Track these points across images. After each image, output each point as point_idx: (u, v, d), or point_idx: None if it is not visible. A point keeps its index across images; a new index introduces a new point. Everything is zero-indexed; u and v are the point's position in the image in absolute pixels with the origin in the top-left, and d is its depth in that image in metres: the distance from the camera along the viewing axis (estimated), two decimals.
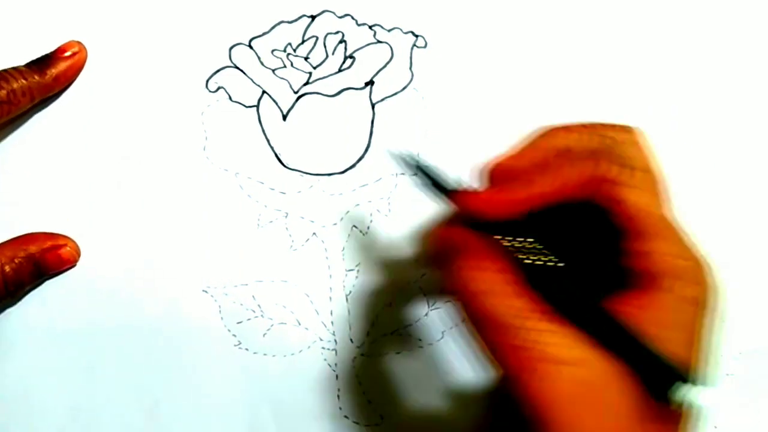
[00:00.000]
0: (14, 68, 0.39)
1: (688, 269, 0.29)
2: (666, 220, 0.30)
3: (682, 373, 0.27)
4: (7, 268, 0.38)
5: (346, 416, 0.40)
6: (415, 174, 0.34)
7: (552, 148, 0.31)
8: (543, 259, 0.31)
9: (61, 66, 0.41)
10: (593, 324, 0.29)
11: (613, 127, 0.31)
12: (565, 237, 0.32)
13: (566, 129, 0.32)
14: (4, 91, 0.38)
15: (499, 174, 0.32)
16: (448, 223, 0.32)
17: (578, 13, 0.44)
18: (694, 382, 0.27)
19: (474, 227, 0.31)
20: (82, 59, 0.41)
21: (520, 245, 0.31)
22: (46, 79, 0.40)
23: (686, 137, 0.43)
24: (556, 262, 0.31)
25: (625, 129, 0.31)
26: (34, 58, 0.40)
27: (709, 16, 0.45)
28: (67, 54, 0.41)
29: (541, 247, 0.31)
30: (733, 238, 0.42)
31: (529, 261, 0.31)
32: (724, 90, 0.44)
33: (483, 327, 0.29)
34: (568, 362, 0.28)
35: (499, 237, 0.31)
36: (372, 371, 0.41)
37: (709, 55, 0.44)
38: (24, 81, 0.39)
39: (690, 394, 0.27)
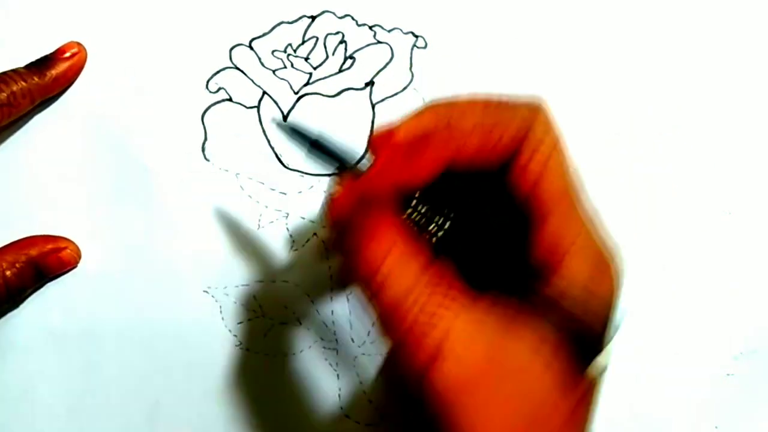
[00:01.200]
0: (14, 70, 0.39)
1: (587, 257, 0.28)
2: (570, 203, 0.29)
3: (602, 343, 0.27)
4: (8, 273, 0.38)
5: (347, 416, 0.40)
6: (309, 150, 0.33)
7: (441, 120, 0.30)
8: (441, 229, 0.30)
9: (61, 67, 0.41)
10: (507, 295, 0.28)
11: (507, 104, 0.30)
12: (463, 202, 0.31)
13: (451, 105, 0.30)
14: (4, 94, 0.38)
15: (385, 145, 0.30)
16: (347, 192, 0.31)
17: (578, 13, 0.44)
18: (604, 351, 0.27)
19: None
20: (82, 60, 0.41)
21: (420, 216, 0.30)
22: (46, 80, 0.40)
23: (686, 137, 0.43)
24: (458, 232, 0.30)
25: (524, 106, 0.30)
26: (33, 59, 0.41)
27: (710, 17, 0.45)
28: (67, 55, 0.41)
29: (440, 217, 0.30)
30: (732, 238, 0.43)
31: (434, 232, 0.30)
32: (724, 90, 0.44)
33: (384, 311, 0.28)
34: (465, 346, 0.26)
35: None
36: (373, 371, 0.41)
37: (709, 56, 0.44)
38: (24, 83, 0.39)
39: (601, 361, 0.27)
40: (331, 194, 0.31)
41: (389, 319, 0.27)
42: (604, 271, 0.29)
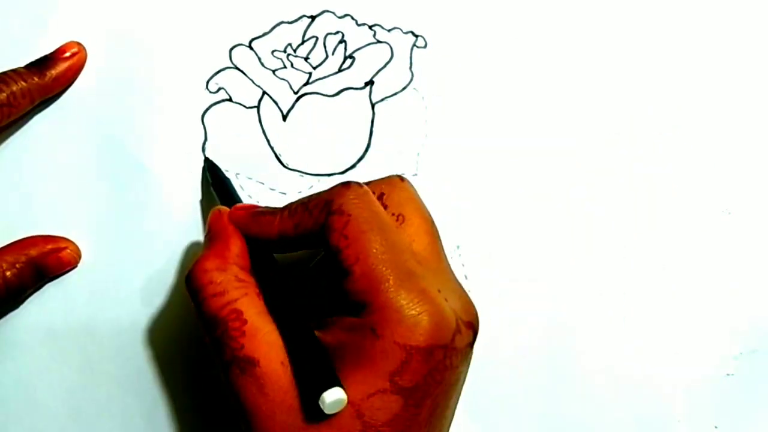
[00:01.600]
0: (13, 70, 0.39)
1: (378, 307, 0.30)
2: (367, 260, 0.31)
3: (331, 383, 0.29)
4: (8, 274, 0.38)
5: None
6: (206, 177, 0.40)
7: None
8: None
9: (61, 67, 0.41)
10: (287, 329, 0.32)
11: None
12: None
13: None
14: (4, 94, 0.38)
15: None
16: (221, 213, 0.36)
17: (578, 13, 0.44)
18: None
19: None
20: (82, 60, 0.41)
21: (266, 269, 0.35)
22: (45, 80, 0.40)
23: (686, 137, 0.43)
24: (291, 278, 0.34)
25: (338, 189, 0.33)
26: (33, 59, 0.41)
27: (709, 17, 0.45)
28: (67, 55, 0.41)
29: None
30: (732, 238, 0.42)
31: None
32: (724, 90, 0.44)
33: (200, 313, 0.33)
34: (252, 362, 0.31)
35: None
36: None
37: (709, 56, 0.44)
38: (24, 83, 0.39)
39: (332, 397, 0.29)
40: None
41: (207, 330, 0.33)
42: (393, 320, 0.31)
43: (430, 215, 0.34)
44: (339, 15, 0.43)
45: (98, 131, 0.41)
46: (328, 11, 0.43)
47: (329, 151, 0.42)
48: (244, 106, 0.42)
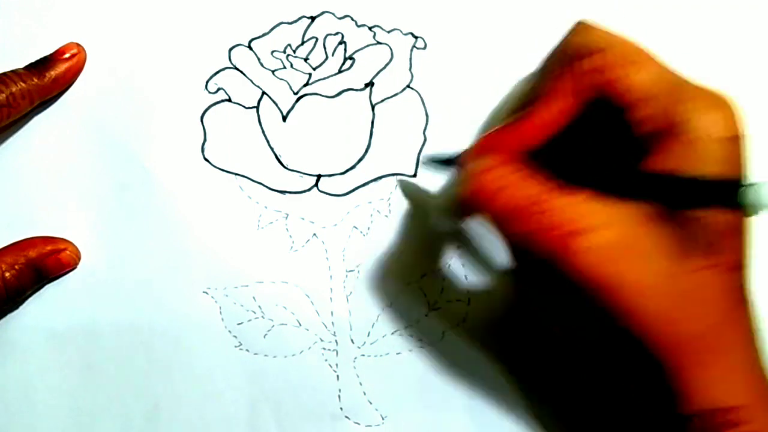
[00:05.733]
0: (13, 71, 0.39)
1: (701, 108, 0.31)
2: (659, 81, 0.32)
3: (737, 182, 0.29)
4: (7, 275, 0.38)
5: (347, 417, 0.40)
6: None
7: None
8: None
9: (61, 68, 0.40)
10: (615, 181, 0.31)
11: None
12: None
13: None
14: (3, 95, 0.38)
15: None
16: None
17: (578, 13, 0.44)
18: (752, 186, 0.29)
19: None
20: (82, 61, 0.41)
21: None
22: (45, 81, 0.40)
23: None
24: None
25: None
26: (33, 60, 0.40)
27: (709, 17, 0.45)
28: (66, 56, 0.41)
29: None
30: None
31: None
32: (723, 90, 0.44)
33: (509, 223, 0.31)
34: (593, 228, 0.30)
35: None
36: (373, 372, 0.41)
37: (709, 56, 0.44)
38: (23, 84, 0.39)
39: (756, 193, 0.29)
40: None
41: (521, 231, 0.31)
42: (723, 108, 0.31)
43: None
44: (339, 16, 0.43)
45: (98, 131, 0.41)
46: (327, 12, 0.43)
47: (329, 151, 0.42)
48: (244, 107, 0.42)
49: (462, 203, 0.35)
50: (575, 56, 0.33)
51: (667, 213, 0.30)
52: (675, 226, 0.30)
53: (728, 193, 0.29)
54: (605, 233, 0.30)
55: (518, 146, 0.34)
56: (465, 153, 0.36)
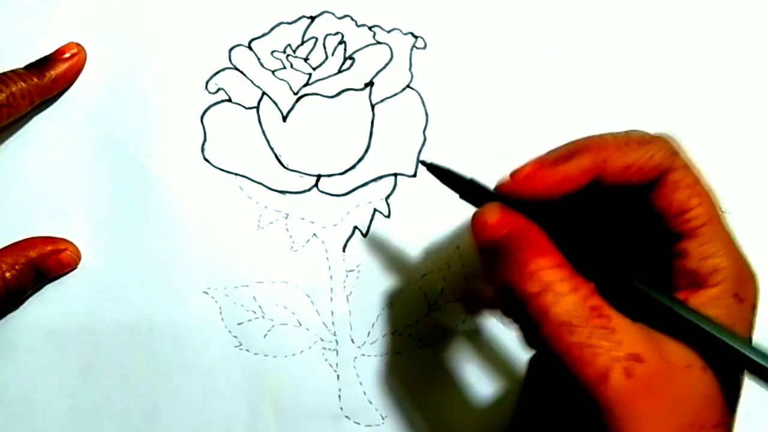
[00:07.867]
0: (13, 71, 0.39)
1: (735, 269, 0.30)
2: (717, 221, 0.31)
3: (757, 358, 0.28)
4: (8, 275, 0.38)
5: (347, 416, 0.40)
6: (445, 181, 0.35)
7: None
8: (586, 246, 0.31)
9: (61, 68, 0.41)
10: (660, 314, 0.29)
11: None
12: (601, 225, 0.33)
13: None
14: (3, 95, 0.38)
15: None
16: (501, 212, 0.31)
17: (578, 13, 0.44)
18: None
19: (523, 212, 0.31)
20: (81, 61, 0.41)
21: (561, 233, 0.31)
22: (45, 81, 0.40)
23: (685, 137, 0.43)
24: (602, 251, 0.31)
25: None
26: (33, 60, 0.40)
27: (709, 17, 0.45)
28: (66, 56, 0.41)
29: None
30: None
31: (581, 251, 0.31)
32: (723, 90, 0.44)
33: (544, 325, 0.29)
34: (633, 359, 0.28)
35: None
36: (373, 372, 0.41)
37: (709, 56, 0.44)
38: (23, 83, 0.39)
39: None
40: (480, 218, 0.32)
41: (553, 336, 0.29)
42: (748, 281, 0.31)
43: None
44: (339, 16, 0.43)
45: (98, 132, 0.41)
46: (327, 12, 0.43)
47: (329, 151, 0.42)
48: (244, 107, 0.42)
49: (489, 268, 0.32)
50: (672, 152, 0.32)
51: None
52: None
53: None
54: (645, 367, 0.28)
55: (552, 189, 0.31)
56: (501, 185, 0.32)
